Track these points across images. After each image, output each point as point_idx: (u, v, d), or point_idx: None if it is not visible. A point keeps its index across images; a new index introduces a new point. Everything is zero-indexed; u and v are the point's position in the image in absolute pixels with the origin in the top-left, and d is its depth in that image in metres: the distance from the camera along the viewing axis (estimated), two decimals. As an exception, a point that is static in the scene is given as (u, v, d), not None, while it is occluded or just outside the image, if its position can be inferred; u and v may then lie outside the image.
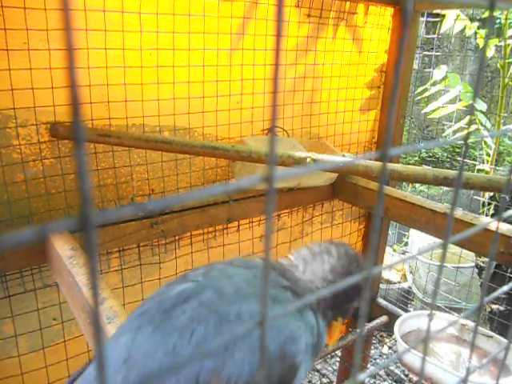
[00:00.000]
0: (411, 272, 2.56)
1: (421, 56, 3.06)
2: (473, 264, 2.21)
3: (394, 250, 2.86)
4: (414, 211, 1.26)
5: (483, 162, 2.40)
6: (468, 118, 2.32)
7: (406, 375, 2.06)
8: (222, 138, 1.37)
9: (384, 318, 1.67)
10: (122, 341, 0.52)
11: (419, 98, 2.37)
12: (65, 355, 1.23)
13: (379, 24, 1.62)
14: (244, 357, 0.48)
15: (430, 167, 1.15)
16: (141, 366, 0.49)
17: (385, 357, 2.26)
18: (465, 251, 2.08)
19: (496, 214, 2.23)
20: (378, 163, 1.09)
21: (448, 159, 4.44)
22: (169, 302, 0.54)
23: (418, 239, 2.59)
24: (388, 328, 1.69)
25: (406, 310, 2.01)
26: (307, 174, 1.36)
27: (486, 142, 2.41)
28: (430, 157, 4.47)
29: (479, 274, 2.19)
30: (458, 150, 4.38)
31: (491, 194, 2.26)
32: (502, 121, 2.43)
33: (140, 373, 0.49)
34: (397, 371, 2.10)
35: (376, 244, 0.24)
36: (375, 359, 2.22)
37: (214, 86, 1.30)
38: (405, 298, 2.46)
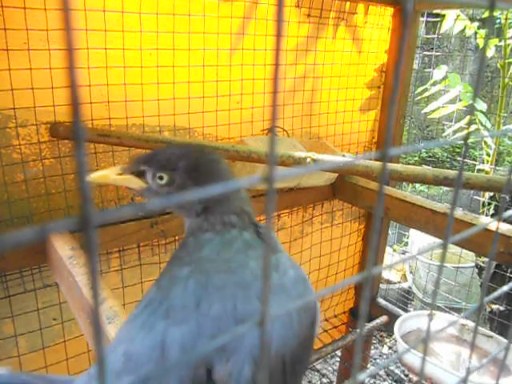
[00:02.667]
0: (411, 272, 2.56)
1: (421, 56, 3.07)
2: (473, 264, 2.21)
3: (394, 250, 2.86)
4: (413, 211, 1.26)
5: (483, 162, 2.40)
6: (468, 117, 2.32)
7: (406, 375, 2.06)
8: (222, 138, 1.37)
9: (384, 318, 1.67)
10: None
11: (419, 98, 2.37)
12: (65, 355, 1.23)
13: (379, 24, 1.62)
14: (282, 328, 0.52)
15: (429, 167, 1.15)
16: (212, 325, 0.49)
17: (385, 357, 2.26)
18: (465, 251, 2.08)
19: (496, 214, 2.22)
20: (378, 163, 1.09)
21: (448, 159, 4.44)
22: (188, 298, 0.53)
23: (418, 239, 2.59)
24: (388, 328, 1.69)
25: (406, 310, 2.01)
26: (307, 173, 1.36)
27: (486, 142, 2.41)
28: (430, 157, 4.47)
29: (479, 274, 2.19)
30: (458, 150, 4.38)
31: (491, 193, 2.26)
32: (502, 121, 2.43)
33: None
34: (397, 371, 2.11)
35: (376, 244, 0.24)
36: (375, 359, 2.22)
37: (213, 85, 1.30)
38: (405, 298, 2.46)
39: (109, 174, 0.63)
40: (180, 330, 0.49)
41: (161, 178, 0.61)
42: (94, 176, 0.63)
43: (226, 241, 0.60)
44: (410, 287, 2.52)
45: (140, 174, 0.63)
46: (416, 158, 4.41)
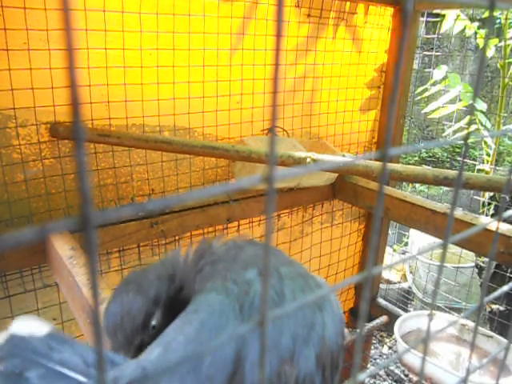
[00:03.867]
0: (411, 272, 2.56)
1: (421, 56, 3.06)
2: (473, 264, 2.21)
3: (394, 250, 2.86)
4: (413, 211, 1.26)
5: (483, 162, 2.40)
6: (468, 117, 2.32)
7: (406, 375, 2.06)
8: (222, 138, 1.37)
9: (384, 318, 1.67)
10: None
11: (419, 98, 2.37)
12: (65, 355, 1.23)
13: (379, 24, 1.62)
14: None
15: (429, 167, 1.15)
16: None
17: (385, 357, 2.26)
18: (465, 251, 2.08)
19: (496, 214, 2.22)
20: (378, 163, 1.09)
21: (448, 159, 4.44)
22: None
23: (418, 239, 2.59)
24: (388, 328, 1.69)
25: (406, 310, 2.01)
26: (307, 173, 1.36)
27: (485, 142, 2.41)
28: (430, 157, 4.47)
29: (479, 274, 2.19)
30: (457, 150, 4.38)
31: (491, 193, 2.26)
32: (502, 121, 2.43)
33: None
34: (397, 371, 2.10)
35: (376, 244, 0.24)
36: (375, 359, 2.22)
37: (213, 85, 1.30)
38: (405, 298, 2.46)
39: None
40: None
41: (153, 327, 0.59)
42: None
43: (249, 242, 0.62)
44: (409, 287, 2.52)
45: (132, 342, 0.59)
46: (416, 158, 4.41)
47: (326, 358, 0.52)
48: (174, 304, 0.61)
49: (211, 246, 0.65)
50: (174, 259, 0.66)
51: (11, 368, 0.43)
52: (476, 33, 2.33)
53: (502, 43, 2.30)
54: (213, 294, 0.54)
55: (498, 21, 2.59)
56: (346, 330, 0.61)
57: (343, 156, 1.43)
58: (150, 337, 0.58)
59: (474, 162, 2.44)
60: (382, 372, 2.07)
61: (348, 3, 1.51)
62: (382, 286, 2.06)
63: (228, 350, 0.47)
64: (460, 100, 2.25)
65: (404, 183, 3.54)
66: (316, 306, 0.54)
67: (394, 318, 1.60)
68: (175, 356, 0.47)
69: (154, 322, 0.59)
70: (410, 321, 1.53)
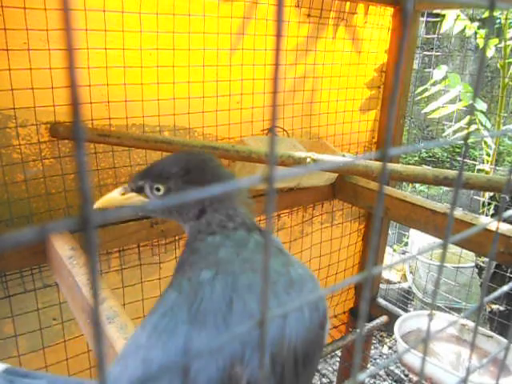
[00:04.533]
0: (411, 272, 2.56)
1: (421, 56, 3.06)
2: (473, 264, 2.21)
3: (394, 250, 2.86)
4: (413, 211, 1.26)
5: (483, 162, 2.40)
6: (468, 118, 2.32)
7: (406, 375, 2.06)
8: (222, 138, 1.37)
9: (384, 318, 1.67)
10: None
11: (419, 98, 2.37)
12: (65, 355, 1.23)
13: (379, 24, 1.62)
14: (295, 320, 0.53)
15: (429, 167, 1.15)
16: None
17: (385, 357, 2.26)
18: (465, 251, 2.08)
19: (496, 214, 2.22)
20: (378, 163, 1.09)
21: (448, 159, 4.44)
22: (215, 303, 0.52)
23: (418, 239, 2.59)
24: (388, 328, 1.69)
25: (406, 310, 2.01)
26: (307, 173, 1.36)
27: (486, 142, 2.41)
28: (430, 157, 4.47)
29: (479, 274, 2.19)
30: (457, 150, 4.38)
31: (491, 193, 2.26)
32: (502, 121, 2.43)
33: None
34: (397, 371, 2.11)
35: (376, 244, 0.24)
36: (375, 359, 2.22)
37: (213, 85, 1.30)
38: (405, 298, 2.46)
39: (113, 197, 0.64)
40: (207, 334, 0.49)
41: (158, 189, 0.62)
42: (101, 202, 0.64)
43: (239, 242, 0.60)
44: (409, 287, 2.52)
45: (140, 190, 0.64)
46: (416, 158, 4.41)
47: (286, 358, 0.51)
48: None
49: (216, 226, 0.63)
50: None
51: None
52: (476, 33, 2.33)
53: (502, 44, 2.30)
54: (171, 290, 0.56)
55: (497, 21, 2.59)
56: (322, 321, 0.60)
57: (343, 156, 1.43)
58: (155, 193, 0.63)
59: (474, 162, 2.44)
60: (382, 372, 2.07)
61: (348, 3, 1.51)
62: (382, 285, 2.06)
63: (173, 352, 0.48)
64: (460, 100, 2.25)
65: (404, 183, 3.54)
66: (277, 303, 0.53)
67: (394, 318, 1.60)
68: (129, 368, 0.49)
69: (165, 185, 0.63)
70: (410, 321, 1.53)
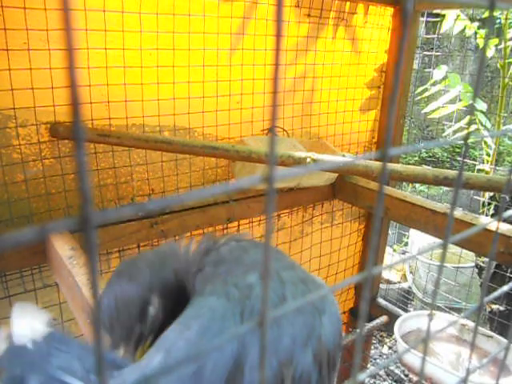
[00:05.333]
0: (411, 272, 2.56)
1: (421, 56, 3.06)
2: (473, 264, 2.21)
3: (394, 250, 2.86)
4: (413, 211, 1.26)
5: (483, 162, 2.40)
6: (468, 118, 2.32)
7: (406, 375, 2.06)
8: (222, 138, 1.37)
9: (384, 318, 1.67)
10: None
11: (419, 98, 2.37)
12: (65, 355, 1.23)
13: (379, 24, 1.62)
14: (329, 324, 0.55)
15: (429, 167, 1.15)
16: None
17: (385, 357, 2.26)
18: (465, 251, 2.08)
19: (496, 214, 2.22)
20: (378, 163, 1.09)
21: (448, 159, 4.44)
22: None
23: (418, 239, 2.59)
24: (388, 328, 1.69)
25: (406, 310, 2.01)
26: (307, 173, 1.36)
27: (486, 142, 2.41)
28: (430, 157, 4.47)
29: (479, 274, 2.19)
30: (457, 150, 4.38)
31: (491, 193, 2.26)
32: (502, 121, 2.43)
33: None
34: (397, 371, 2.10)
35: (376, 244, 0.24)
36: (375, 359, 2.22)
37: (214, 85, 1.30)
38: (405, 298, 2.46)
39: None
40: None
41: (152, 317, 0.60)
42: None
43: (254, 244, 0.63)
44: (409, 287, 2.52)
45: (128, 338, 0.59)
46: (416, 158, 4.41)
47: (322, 357, 0.52)
48: (172, 295, 0.61)
49: (215, 243, 0.65)
50: (172, 250, 0.66)
51: (12, 378, 0.43)
52: (476, 33, 2.33)
53: (502, 44, 2.30)
54: (213, 298, 0.54)
55: (498, 21, 2.59)
56: (342, 330, 0.62)
57: (343, 156, 1.43)
58: (149, 327, 0.59)
59: (474, 162, 2.44)
60: (382, 372, 2.07)
61: (348, 3, 1.51)
62: (382, 285, 2.06)
63: (227, 353, 0.47)
64: (460, 100, 2.25)
65: (404, 183, 3.54)
66: (315, 308, 0.55)
67: (394, 318, 1.60)
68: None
69: (151, 310, 0.59)
70: (410, 321, 1.53)
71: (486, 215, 2.30)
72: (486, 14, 2.44)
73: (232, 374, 0.46)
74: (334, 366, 0.55)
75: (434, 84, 2.29)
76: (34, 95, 1.03)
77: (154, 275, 0.61)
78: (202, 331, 0.50)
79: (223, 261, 0.60)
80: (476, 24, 2.31)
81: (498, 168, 2.47)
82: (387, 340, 2.38)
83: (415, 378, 1.49)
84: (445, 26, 2.25)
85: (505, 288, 0.37)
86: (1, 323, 1.13)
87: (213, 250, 0.63)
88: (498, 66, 2.40)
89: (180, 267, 0.64)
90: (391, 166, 1.12)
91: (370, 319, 1.68)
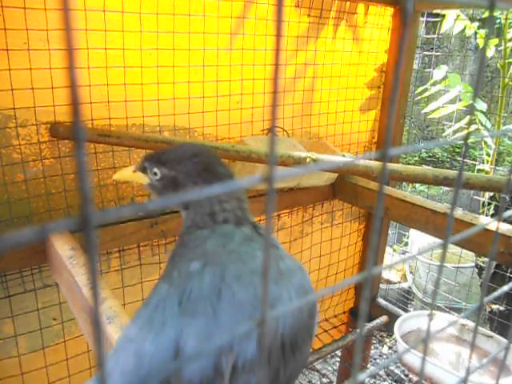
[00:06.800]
0: (411, 272, 2.56)
1: (421, 56, 3.07)
2: (473, 264, 2.21)
3: (394, 250, 2.86)
4: (413, 211, 1.26)
5: (483, 162, 2.40)
6: (468, 118, 2.32)
7: (406, 375, 2.06)
8: (222, 138, 1.37)
9: (384, 318, 1.67)
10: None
11: (419, 98, 2.37)
12: (65, 355, 1.23)
13: (379, 24, 1.62)
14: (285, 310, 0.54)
15: (430, 167, 1.15)
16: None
17: (385, 357, 2.26)
18: (465, 251, 2.08)
19: (496, 214, 2.22)
20: (378, 163, 1.09)
21: (448, 159, 4.44)
22: (203, 291, 0.53)
23: (418, 239, 2.59)
24: (388, 328, 1.69)
25: (406, 310, 2.01)
26: (307, 173, 1.36)
27: (485, 142, 2.41)
28: (430, 157, 4.47)
29: (479, 274, 2.19)
30: (457, 150, 4.38)
31: (491, 193, 2.26)
32: (502, 121, 2.43)
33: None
34: (397, 371, 2.11)
35: (376, 244, 0.24)
36: (375, 359, 2.22)
37: (213, 85, 1.30)
38: (405, 298, 2.46)
39: (126, 173, 0.74)
40: (197, 323, 0.50)
41: (155, 173, 0.68)
42: (117, 175, 0.75)
43: (226, 234, 0.62)
44: (409, 287, 2.52)
45: (144, 170, 0.70)
46: (416, 158, 4.41)
47: (272, 342, 0.52)
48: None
49: (210, 221, 0.65)
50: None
51: None
52: (476, 33, 2.33)
53: (503, 45, 2.30)
54: (162, 282, 0.58)
55: (498, 21, 2.59)
56: (317, 311, 0.62)
57: (343, 156, 1.43)
58: (155, 176, 0.69)
59: (474, 162, 2.44)
60: (382, 372, 2.07)
61: (348, 3, 1.51)
62: (382, 285, 2.06)
63: (165, 344, 0.49)
64: (460, 100, 2.25)
65: (404, 183, 3.54)
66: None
67: (394, 318, 1.60)
68: (121, 361, 0.50)
69: (165, 170, 0.67)
70: (410, 321, 1.53)
71: (486, 215, 2.30)
72: (486, 14, 2.44)
73: (170, 364, 0.48)
74: (294, 348, 0.55)
75: (433, 84, 2.29)
76: (34, 95, 1.03)
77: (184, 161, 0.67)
78: (142, 323, 0.53)
79: (187, 243, 0.63)
80: (476, 24, 2.31)
81: (497, 168, 2.47)
82: (387, 340, 2.38)
83: (415, 378, 1.49)
84: (445, 26, 2.25)
85: (505, 288, 0.37)
86: (1, 323, 1.13)
87: (198, 228, 0.64)
88: (498, 65, 2.40)
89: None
90: (391, 165, 1.12)
91: (370, 319, 1.68)
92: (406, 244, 2.93)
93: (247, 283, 0.53)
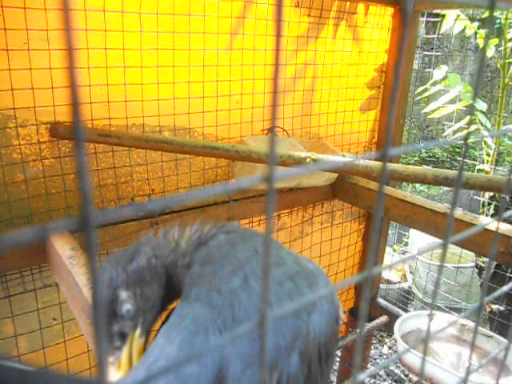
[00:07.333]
0: (411, 272, 2.56)
1: (421, 56, 3.06)
2: (473, 264, 2.21)
3: (394, 250, 2.86)
4: (413, 211, 1.26)
5: (483, 162, 2.40)
6: (468, 118, 2.32)
7: (406, 375, 2.06)
8: (222, 138, 1.37)
9: (384, 318, 1.67)
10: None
11: (419, 98, 2.37)
12: (65, 355, 1.23)
13: (379, 24, 1.62)
14: (319, 318, 0.53)
15: (429, 167, 1.15)
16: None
17: (385, 357, 2.26)
18: (465, 251, 2.08)
19: (496, 214, 2.22)
20: (378, 163, 1.09)
21: (448, 159, 4.44)
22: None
23: (418, 239, 2.59)
24: (388, 328, 1.69)
25: (406, 310, 2.01)
26: (307, 173, 1.36)
27: (485, 142, 2.41)
28: (430, 157, 4.47)
29: (479, 274, 2.19)
30: (457, 150, 4.38)
31: (491, 193, 2.26)
32: (502, 121, 2.43)
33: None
34: (397, 371, 2.11)
35: (376, 244, 0.24)
36: (375, 359, 2.22)
37: (214, 85, 1.30)
38: (405, 298, 2.46)
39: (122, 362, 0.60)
40: (241, 344, 0.48)
41: (127, 311, 0.60)
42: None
43: (234, 240, 0.61)
44: (409, 287, 2.52)
45: (124, 336, 0.60)
46: (416, 158, 4.41)
47: (312, 353, 0.51)
48: (168, 285, 0.62)
49: (206, 235, 0.64)
50: (147, 239, 0.66)
51: None
52: (476, 33, 2.33)
53: (503, 45, 2.30)
54: (197, 305, 0.54)
55: (498, 21, 2.59)
56: (340, 312, 0.60)
57: (343, 156, 1.43)
58: (132, 321, 0.59)
59: (474, 162, 2.44)
60: (382, 372, 2.07)
61: (348, 3, 1.51)
62: (382, 286, 2.06)
63: (209, 367, 0.47)
64: (460, 100, 2.25)
65: (404, 183, 3.54)
66: (303, 307, 0.53)
67: (394, 318, 1.60)
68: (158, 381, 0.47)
69: (127, 307, 0.59)
70: (410, 321, 1.53)
71: (486, 215, 2.30)
72: (486, 14, 2.44)
73: None
74: (328, 355, 0.54)
75: (433, 84, 2.29)
76: (34, 95, 1.03)
77: (118, 270, 0.60)
78: (182, 346, 0.50)
79: (210, 260, 0.60)
80: (476, 24, 2.31)
81: (497, 168, 2.47)
82: (387, 340, 2.38)
83: (415, 378, 1.49)
84: (445, 26, 2.25)
85: (505, 288, 0.37)
86: (1, 323, 1.13)
87: (202, 244, 0.62)
88: (498, 66, 2.40)
89: (161, 254, 0.64)
90: (391, 165, 1.12)
91: (370, 319, 1.68)
92: (406, 244, 2.93)
93: (291, 288, 0.52)
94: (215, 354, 0.48)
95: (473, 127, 2.31)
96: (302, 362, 0.49)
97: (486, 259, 2.11)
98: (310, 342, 0.51)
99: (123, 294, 0.59)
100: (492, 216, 2.27)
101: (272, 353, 0.48)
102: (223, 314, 0.51)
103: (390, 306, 1.83)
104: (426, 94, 2.32)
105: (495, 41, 2.36)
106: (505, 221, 0.99)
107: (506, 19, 2.27)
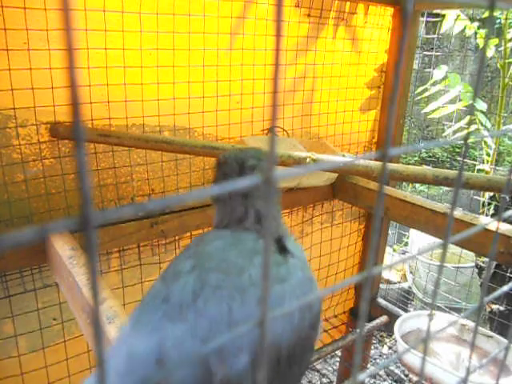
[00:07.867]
0: (411, 272, 2.56)
1: (421, 56, 3.07)
2: (473, 264, 2.21)
3: (394, 250, 2.86)
4: (413, 211, 1.26)
5: (483, 162, 2.40)
6: (468, 118, 2.32)
7: (406, 375, 2.06)
8: (222, 138, 1.37)
9: (384, 318, 1.67)
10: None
11: (419, 98, 2.37)
12: (65, 355, 1.23)
13: (379, 24, 1.62)
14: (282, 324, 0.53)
15: (429, 167, 1.15)
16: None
17: (385, 357, 2.26)
18: (465, 251, 2.08)
19: (496, 214, 2.22)
20: (378, 163, 1.09)
21: (448, 159, 4.44)
22: (184, 298, 0.52)
23: (418, 239, 2.59)
24: (388, 328, 1.69)
25: (406, 310, 2.01)
26: (307, 173, 1.36)
27: (485, 142, 2.41)
28: (430, 157, 4.47)
29: (479, 274, 2.19)
30: (457, 150, 4.38)
31: (491, 193, 2.26)
32: (502, 121, 2.43)
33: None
34: (397, 371, 2.11)
35: (376, 244, 0.24)
36: (375, 359, 2.22)
37: (213, 85, 1.30)
38: (405, 298, 2.46)
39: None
40: (177, 329, 0.49)
41: None
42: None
43: (236, 242, 0.60)
44: (409, 287, 2.52)
45: None
46: (416, 158, 4.41)
47: (268, 356, 0.51)
48: None
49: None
50: None
51: None
52: (476, 33, 2.33)
53: (503, 46, 2.30)
54: (159, 279, 0.57)
55: (498, 21, 2.59)
56: (319, 321, 0.59)
57: (343, 156, 1.43)
58: None
59: (474, 162, 2.44)
60: (382, 372, 2.07)
61: (348, 3, 1.51)
62: (382, 286, 2.06)
63: (148, 347, 0.49)
64: (460, 100, 2.25)
65: (404, 183, 3.54)
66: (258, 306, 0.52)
67: (394, 318, 1.60)
68: (115, 362, 0.49)
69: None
70: (410, 321, 1.53)
71: (486, 215, 2.30)
72: (486, 14, 2.44)
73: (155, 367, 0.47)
74: (291, 363, 0.53)
75: (434, 84, 2.29)
76: (34, 95, 1.03)
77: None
78: (134, 323, 0.53)
79: (196, 242, 0.62)
80: (476, 24, 2.31)
81: (497, 168, 2.47)
82: (387, 340, 2.38)
83: (415, 378, 1.49)
84: (445, 26, 2.25)
85: (505, 288, 0.37)
86: (1, 323, 1.13)
87: (222, 227, 0.65)
88: (498, 66, 2.40)
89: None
90: (391, 165, 1.12)
91: (370, 319, 1.68)
92: (406, 244, 2.93)
93: (221, 297, 0.51)
94: (155, 334, 0.49)
95: (473, 127, 2.31)
96: (253, 365, 0.49)
97: (486, 259, 2.11)
98: (267, 346, 0.50)
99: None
100: (492, 216, 2.27)
101: (220, 348, 0.48)
102: (165, 291, 0.53)
103: (390, 306, 1.83)
104: (426, 94, 2.32)
105: (495, 41, 2.36)
106: (505, 221, 0.99)
107: (506, 19, 2.27)
